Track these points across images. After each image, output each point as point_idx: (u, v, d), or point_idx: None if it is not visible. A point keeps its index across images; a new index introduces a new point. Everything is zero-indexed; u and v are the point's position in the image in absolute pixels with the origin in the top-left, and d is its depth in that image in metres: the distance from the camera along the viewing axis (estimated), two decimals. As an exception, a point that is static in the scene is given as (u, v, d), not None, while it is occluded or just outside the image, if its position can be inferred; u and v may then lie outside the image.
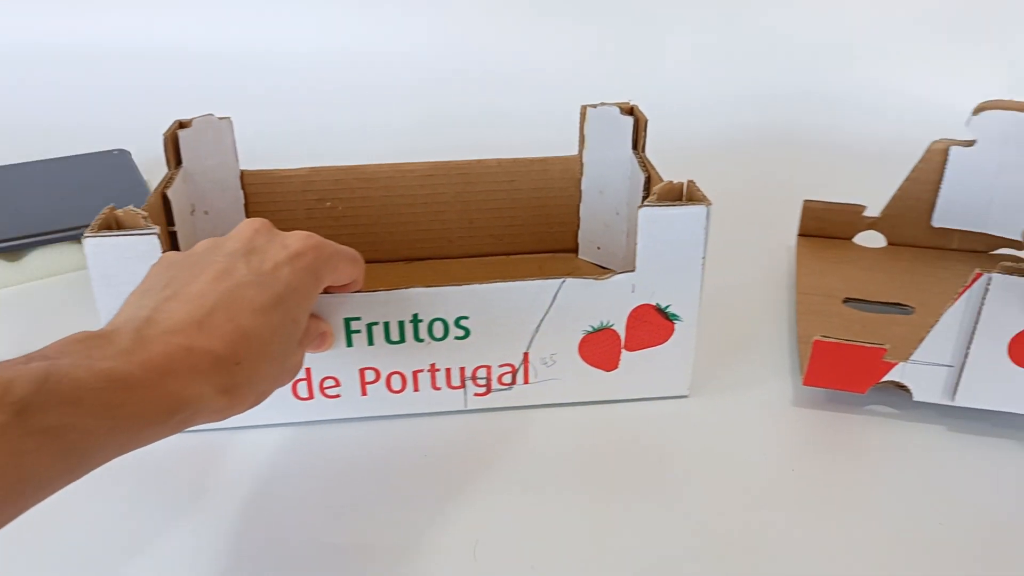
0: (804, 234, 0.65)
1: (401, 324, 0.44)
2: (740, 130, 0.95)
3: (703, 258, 0.44)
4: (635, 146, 0.56)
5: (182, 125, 0.54)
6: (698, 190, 0.44)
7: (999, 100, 0.57)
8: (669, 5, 1.11)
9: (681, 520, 0.40)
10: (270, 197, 0.58)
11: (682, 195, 0.44)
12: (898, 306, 0.56)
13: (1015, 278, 0.40)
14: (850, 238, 0.64)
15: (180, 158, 0.54)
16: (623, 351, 0.46)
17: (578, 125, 0.58)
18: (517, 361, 0.46)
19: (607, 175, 0.59)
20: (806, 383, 0.46)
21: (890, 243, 0.64)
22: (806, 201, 0.64)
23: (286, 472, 0.44)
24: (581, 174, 0.60)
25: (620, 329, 0.46)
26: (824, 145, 0.90)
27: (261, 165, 0.58)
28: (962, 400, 0.44)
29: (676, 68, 1.08)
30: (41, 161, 0.75)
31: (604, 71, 1.07)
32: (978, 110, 0.57)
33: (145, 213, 0.41)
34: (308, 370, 0.44)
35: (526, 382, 0.47)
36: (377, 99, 1.03)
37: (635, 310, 0.45)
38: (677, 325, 0.46)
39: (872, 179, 0.64)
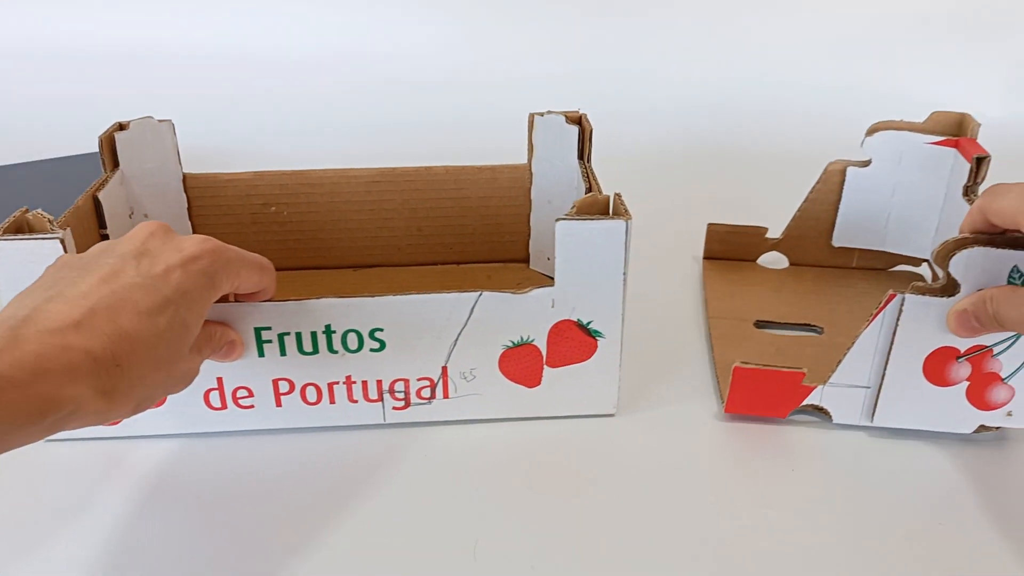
0: (709, 257, 0.64)
1: (314, 335, 0.43)
2: (701, 139, 0.94)
3: (624, 274, 0.42)
4: (581, 155, 0.55)
5: (121, 127, 0.54)
6: (622, 204, 0.43)
7: (891, 121, 0.56)
8: (629, 12, 1.09)
9: (616, 544, 0.39)
10: (214, 201, 0.58)
11: (608, 208, 0.43)
12: (807, 327, 0.55)
13: (928, 298, 0.40)
14: (754, 260, 0.63)
15: (117, 161, 0.54)
16: (545, 367, 0.45)
17: (527, 133, 0.57)
18: (436, 375, 0.45)
19: (555, 185, 0.57)
20: (728, 410, 0.45)
21: (792, 263, 0.63)
22: (710, 224, 0.64)
23: (196, 480, 0.43)
24: (531, 183, 0.59)
25: (541, 344, 0.44)
26: (791, 152, 0.88)
27: (224, 169, 0.57)
28: (881, 420, 0.44)
29: (640, 73, 1.06)
30: (40, 161, 0.75)
31: (561, 77, 1.06)
32: (872, 131, 0.56)
33: (52, 217, 0.41)
34: (220, 379, 0.44)
35: (446, 397, 0.45)
36: (325, 103, 1.02)
37: (556, 325, 0.44)
38: (600, 342, 0.44)
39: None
